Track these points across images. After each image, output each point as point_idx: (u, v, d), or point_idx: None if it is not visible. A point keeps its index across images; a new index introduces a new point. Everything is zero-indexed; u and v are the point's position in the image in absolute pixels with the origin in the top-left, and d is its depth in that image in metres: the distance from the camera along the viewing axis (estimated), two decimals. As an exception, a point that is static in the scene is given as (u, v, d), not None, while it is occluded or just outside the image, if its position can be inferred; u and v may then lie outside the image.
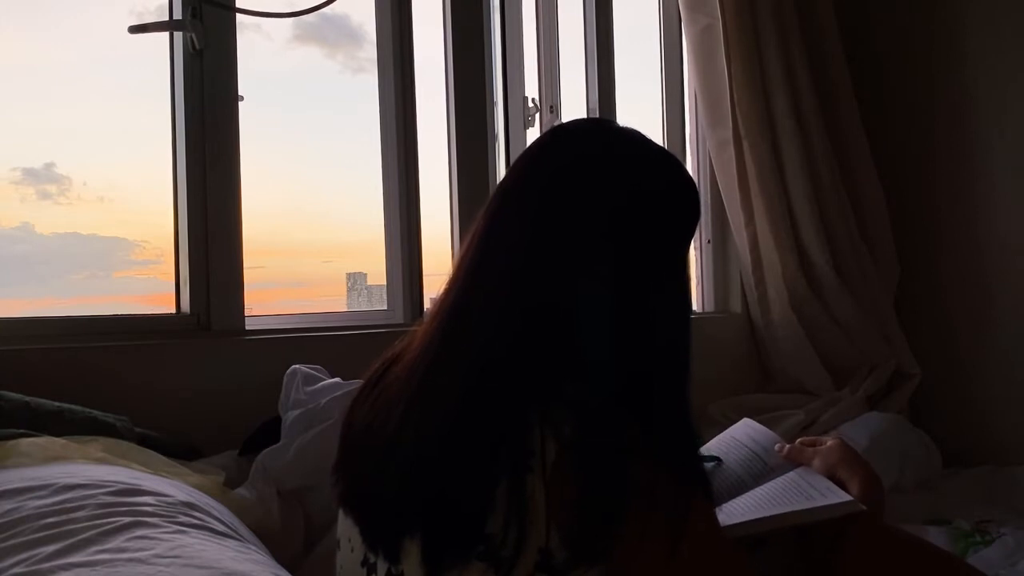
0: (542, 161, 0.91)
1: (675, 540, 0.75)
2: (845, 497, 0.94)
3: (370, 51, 1.99)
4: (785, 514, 0.93)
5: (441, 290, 0.90)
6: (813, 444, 1.05)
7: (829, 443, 1.03)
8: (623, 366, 0.82)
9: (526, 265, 0.84)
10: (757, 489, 1.01)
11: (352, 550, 0.88)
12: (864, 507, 0.93)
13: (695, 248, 2.66)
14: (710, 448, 1.10)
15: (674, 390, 0.86)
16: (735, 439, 1.11)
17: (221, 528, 0.89)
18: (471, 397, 0.79)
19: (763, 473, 1.04)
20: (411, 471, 0.80)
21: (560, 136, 0.94)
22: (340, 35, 2.06)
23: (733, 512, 0.95)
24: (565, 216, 0.85)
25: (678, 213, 0.91)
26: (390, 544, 0.81)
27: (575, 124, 0.98)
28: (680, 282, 0.92)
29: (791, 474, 1.02)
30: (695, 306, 2.65)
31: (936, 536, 1.72)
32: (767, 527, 0.93)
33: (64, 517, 0.80)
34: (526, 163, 0.92)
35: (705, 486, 0.82)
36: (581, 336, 0.82)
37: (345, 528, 0.90)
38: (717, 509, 0.94)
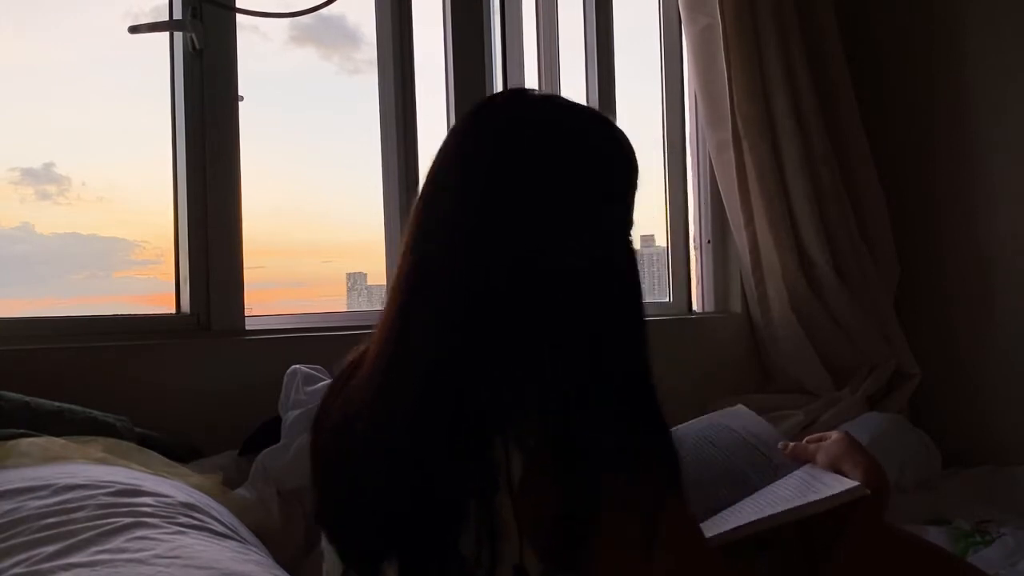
0: (464, 150, 0.86)
1: (649, 542, 0.74)
2: (848, 484, 0.94)
3: (366, 52, 2.00)
4: (791, 510, 0.93)
5: (386, 294, 0.88)
6: (819, 440, 1.04)
7: (833, 437, 1.03)
8: (577, 354, 0.78)
9: (465, 265, 0.80)
10: (764, 490, 1.00)
11: (335, 563, 0.87)
12: (868, 491, 0.92)
13: (695, 248, 2.66)
14: (693, 431, 1.09)
15: (636, 375, 0.82)
16: (731, 429, 1.10)
17: (221, 529, 0.89)
18: (425, 417, 0.77)
19: (764, 467, 1.04)
20: (379, 494, 0.79)
21: (481, 116, 0.89)
22: (337, 36, 2.07)
23: (741, 513, 0.95)
24: (495, 201, 0.82)
25: (611, 172, 0.87)
26: (367, 568, 0.80)
27: (492, 101, 0.92)
28: (626, 247, 0.88)
29: (798, 472, 1.02)
30: (695, 306, 2.65)
31: (936, 536, 1.72)
32: (773, 524, 0.93)
33: (64, 517, 0.80)
34: (449, 153, 0.87)
35: (676, 479, 0.80)
36: (529, 328, 0.78)
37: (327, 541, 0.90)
38: (727, 511, 0.94)
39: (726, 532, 0.91)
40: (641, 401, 0.81)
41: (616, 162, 0.88)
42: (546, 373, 0.76)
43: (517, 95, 0.93)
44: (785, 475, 1.02)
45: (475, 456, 0.74)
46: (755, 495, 0.99)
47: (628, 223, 0.90)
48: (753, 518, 0.93)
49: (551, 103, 0.90)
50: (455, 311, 0.79)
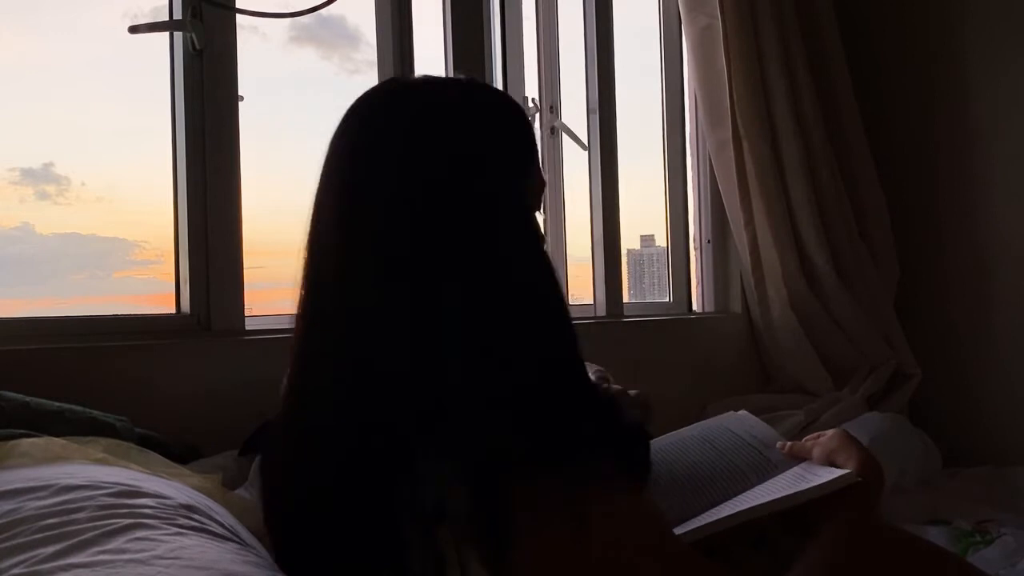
0: (362, 144, 0.86)
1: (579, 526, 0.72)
2: (839, 472, 0.95)
3: (366, 53, 1.99)
4: (781, 498, 0.93)
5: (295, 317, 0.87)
6: (817, 439, 1.05)
7: (829, 434, 1.03)
8: (498, 348, 0.74)
9: (360, 264, 0.78)
10: (760, 486, 1.01)
11: None
12: (860, 479, 0.93)
13: (695, 248, 2.66)
14: (693, 434, 1.09)
15: (565, 361, 0.78)
16: (731, 431, 1.10)
17: (221, 530, 0.89)
18: (348, 466, 0.76)
19: (763, 465, 1.04)
20: (318, 531, 0.79)
21: (359, 114, 0.89)
22: (336, 37, 2.06)
23: (730, 507, 0.95)
24: (379, 210, 0.79)
25: (516, 138, 0.84)
26: None
27: (366, 100, 0.90)
28: (530, 231, 0.82)
29: (793, 468, 1.02)
30: (695, 306, 2.65)
31: (936, 536, 1.72)
32: (763, 513, 0.93)
33: (64, 518, 0.80)
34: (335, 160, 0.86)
35: (642, 471, 0.78)
36: (447, 330, 0.74)
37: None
38: (718, 507, 0.94)
39: (710, 524, 0.91)
40: (572, 387, 0.77)
41: (516, 126, 0.85)
42: (468, 377, 0.73)
43: (392, 82, 0.92)
44: (781, 473, 1.03)
45: (406, 489, 0.72)
46: (748, 491, 1.00)
47: (540, 187, 0.86)
48: (741, 508, 0.93)
49: (428, 82, 0.87)
50: (352, 358, 0.77)
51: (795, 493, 0.93)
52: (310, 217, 0.84)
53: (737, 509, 0.93)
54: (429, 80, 0.88)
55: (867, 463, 0.95)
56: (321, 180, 0.86)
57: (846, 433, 1.02)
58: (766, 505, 0.92)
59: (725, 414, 1.14)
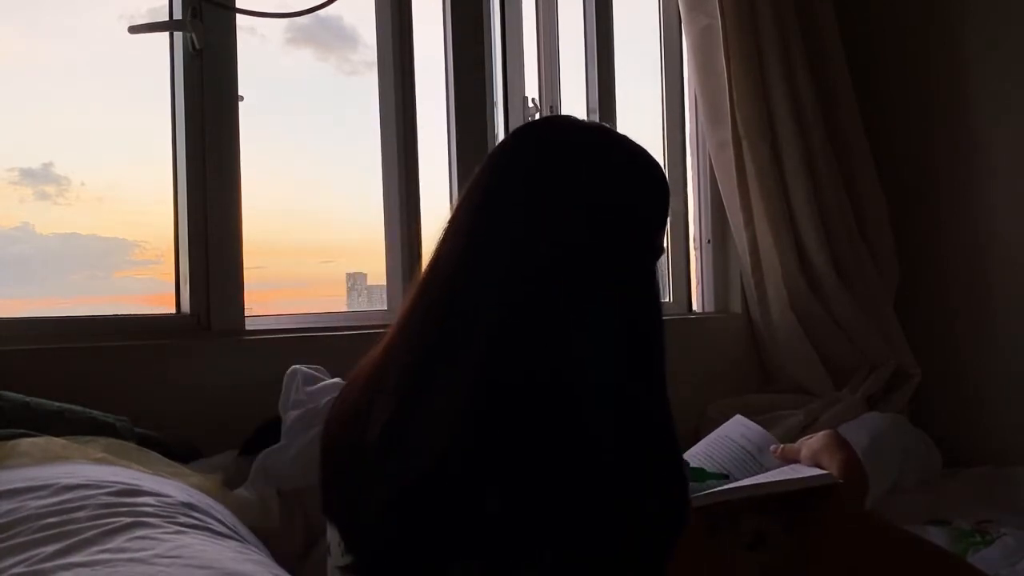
0: (519, 168, 0.92)
1: None
2: (817, 471, 0.95)
3: (363, 53, 2.00)
4: (756, 485, 0.94)
5: (410, 300, 0.90)
6: (808, 440, 1.05)
7: (819, 434, 1.03)
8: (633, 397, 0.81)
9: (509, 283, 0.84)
10: (741, 481, 1.01)
11: (339, 556, 0.87)
12: (839, 480, 0.93)
13: (695, 248, 2.66)
14: (698, 451, 1.10)
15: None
16: (729, 438, 1.11)
17: (221, 529, 0.89)
18: (469, 430, 0.79)
19: (756, 470, 1.05)
20: (398, 496, 0.80)
21: (552, 139, 0.96)
22: (334, 38, 2.06)
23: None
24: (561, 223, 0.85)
25: (650, 210, 0.91)
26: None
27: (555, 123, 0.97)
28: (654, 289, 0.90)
29: (782, 468, 1.03)
30: (695, 306, 2.65)
31: (936, 536, 1.72)
32: (738, 496, 0.94)
33: (64, 517, 0.80)
34: (500, 172, 0.93)
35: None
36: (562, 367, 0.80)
37: (334, 534, 0.90)
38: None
39: None
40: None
41: (655, 200, 0.92)
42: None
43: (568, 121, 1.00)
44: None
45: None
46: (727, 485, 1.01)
47: (661, 250, 0.93)
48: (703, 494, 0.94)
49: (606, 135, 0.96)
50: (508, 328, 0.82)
51: (769, 483, 0.94)
52: (444, 232, 0.93)
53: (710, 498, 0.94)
54: (605, 130, 0.97)
55: (849, 463, 0.96)
56: (469, 202, 0.94)
57: (834, 434, 1.02)
58: (725, 491, 0.93)
59: (728, 422, 1.15)
